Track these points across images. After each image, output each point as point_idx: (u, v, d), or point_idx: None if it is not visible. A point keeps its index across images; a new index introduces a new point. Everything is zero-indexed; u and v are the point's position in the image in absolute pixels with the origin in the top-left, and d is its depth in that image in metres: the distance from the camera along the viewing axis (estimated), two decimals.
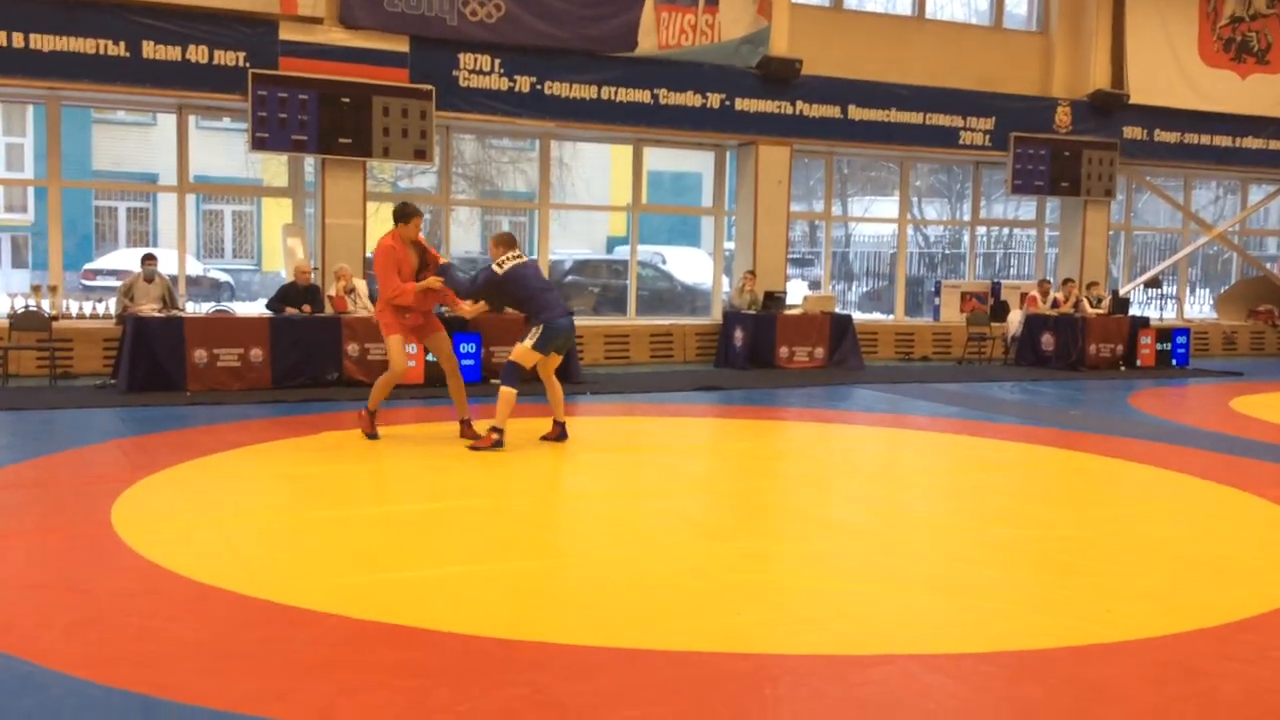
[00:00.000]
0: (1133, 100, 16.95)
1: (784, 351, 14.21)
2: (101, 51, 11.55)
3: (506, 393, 7.77)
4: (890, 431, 9.56)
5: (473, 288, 8.11)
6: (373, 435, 8.13)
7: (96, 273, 20.54)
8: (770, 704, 3.51)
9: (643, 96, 14.09)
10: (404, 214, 8.05)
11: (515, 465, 7.45)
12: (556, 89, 13.64)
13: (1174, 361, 15.78)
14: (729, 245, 16.54)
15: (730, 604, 4.49)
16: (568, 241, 22.91)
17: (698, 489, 7.14)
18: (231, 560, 4.97)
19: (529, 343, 7.86)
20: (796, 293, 17.34)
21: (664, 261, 22.05)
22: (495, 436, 7.76)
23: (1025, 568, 5.25)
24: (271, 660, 3.73)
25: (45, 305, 11.82)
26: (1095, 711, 3.48)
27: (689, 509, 6.42)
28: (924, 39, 16.15)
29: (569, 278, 19.47)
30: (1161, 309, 20.30)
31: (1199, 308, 21.38)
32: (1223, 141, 17.97)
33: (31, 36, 11.29)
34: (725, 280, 16.27)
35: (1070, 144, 16.71)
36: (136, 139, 23.53)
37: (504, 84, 13.38)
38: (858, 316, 16.93)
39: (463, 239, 24.56)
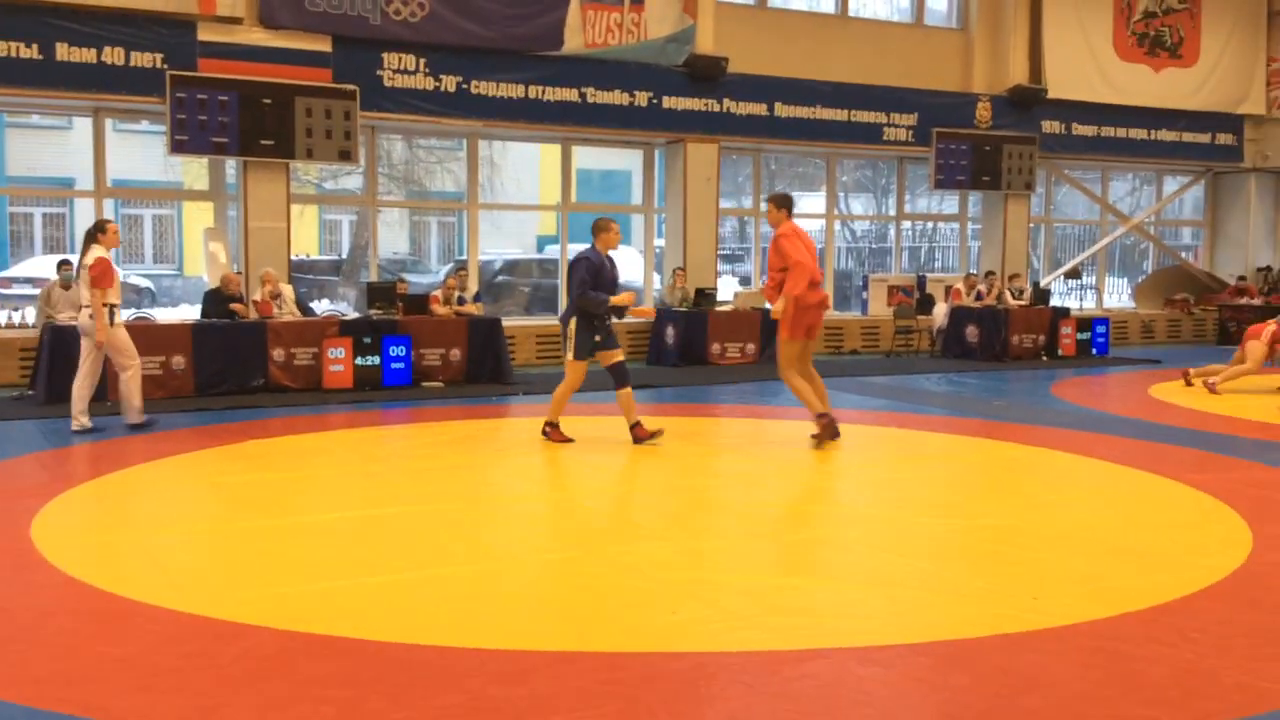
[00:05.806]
0: (1050, 95, 17.28)
1: (716, 348, 14.28)
2: (13, 54, 11.22)
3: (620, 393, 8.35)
4: None
5: None
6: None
7: (12, 281, 19.98)
8: (705, 701, 3.53)
9: (570, 95, 14.06)
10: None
11: (446, 471, 7.40)
12: (483, 88, 13.55)
13: (1094, 350, 16.12)
14: (659, 242, 16.58)
15: (666, 603, 4.50)
16: (498, 241, 22.78)
17: (631, 488, 7.14)
18: (155, 574, 4.87)
19: None
20: (727, 289, 17.44)
21: None
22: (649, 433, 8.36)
23: (954, 558, 5.34)
24: (199, 676, 3.66)
25: None
26: (1023, 699, 3.54)
27: (622, 508, 6.43)
28: (847, 36, 16.32)
29: (499, 278, 19.38)
30: (1081, 299, 20.73)
31: (1117, 297, 21.87)
32: (1138, 134, 18.39)
33: None
34: (656, 277, 16.30)
35: (991, 139, 17.00)
36: (52, 143, 22.93)
37: (429, 84, 13.26)
38: None
39: (391, 240, 24.33)
